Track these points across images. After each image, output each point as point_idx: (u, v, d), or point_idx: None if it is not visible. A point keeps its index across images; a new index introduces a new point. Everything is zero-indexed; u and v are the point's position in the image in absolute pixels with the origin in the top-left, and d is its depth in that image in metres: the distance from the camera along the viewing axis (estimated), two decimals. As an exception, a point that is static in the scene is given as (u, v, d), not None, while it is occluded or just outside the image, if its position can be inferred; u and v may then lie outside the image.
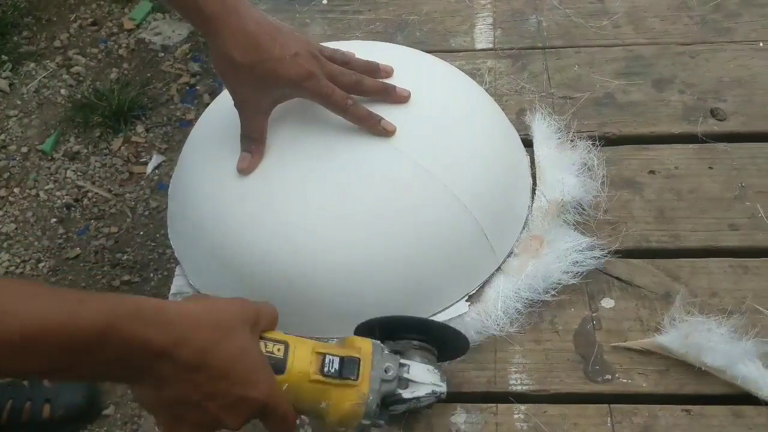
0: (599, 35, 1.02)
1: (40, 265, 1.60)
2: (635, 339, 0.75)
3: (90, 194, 1.71)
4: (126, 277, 1.57)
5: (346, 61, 0.80)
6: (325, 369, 0.61)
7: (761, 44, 0.99)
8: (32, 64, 1.96)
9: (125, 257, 1.60)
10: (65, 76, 1.93)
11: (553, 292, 0.78)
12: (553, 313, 0.77)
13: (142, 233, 1.63)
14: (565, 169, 0.85)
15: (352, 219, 0.75)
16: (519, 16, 1.06)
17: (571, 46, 1.01)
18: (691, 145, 0.90)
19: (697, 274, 0.79)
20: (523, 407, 0.72)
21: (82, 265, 1.60)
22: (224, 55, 0.74)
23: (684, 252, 0.81)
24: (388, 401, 0.64)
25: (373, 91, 0.80)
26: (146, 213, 1.67)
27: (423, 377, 0.66)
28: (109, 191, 1.71)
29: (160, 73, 1.92)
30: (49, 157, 1.78)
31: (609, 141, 0.91)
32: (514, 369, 0.74)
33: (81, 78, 1.92)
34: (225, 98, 0.89)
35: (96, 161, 1.76)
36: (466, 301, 0.77)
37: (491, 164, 0.81)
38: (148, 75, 1.91)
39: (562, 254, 0.79)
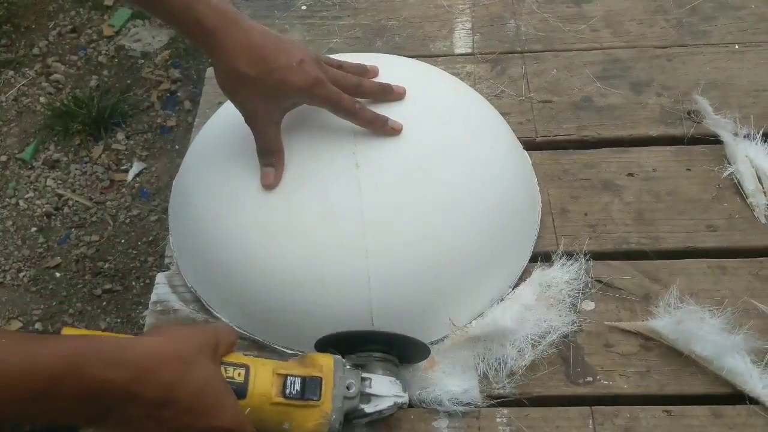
0: (577, 39, 1.03)
1: (21, 274, 1.59)
2: (616, 341, 0.75)
3: (70, 202, 1.70)
4: (107, 286, 1.56)
5: (339, 65, 0.80)
6: (287, 391, 0.61)
7: (737, 46, 1.00)
8: (11, 72, 1.94)
9: (107, 266, 1.59)
10: (44, 84, 1.91)
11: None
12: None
13: (123, 241, 1.62)
14: (521, 321, 0.75)
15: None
16: (497, 20, 1.07)
17: (549, 50, 1.02)
18: (668, 147, 0.90)
19: (676, 276, 0.79)
20: (505, 411, 0.72)
21: (63, 274, 1.59)
22: (230, 69, 0.72)
23: (663, 253, 0.82)
24: (350, 417, 0.64)
25: (372, 92, 0.80)
26: (127, 221, 1.66)
27: (385, 390, 0.65)
28: (90, 199, 1.70)
29: (141, 80, 1.91)
30: (29, 166, 1.76)
31: (588, 144, 0.92)
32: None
33: (60, 85, 1.91)
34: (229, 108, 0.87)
35: (76, 169, 1.75)
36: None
37: (421, 285, 0.74)
38: (128, 82, 1.90)
39: (437, 391, 0.72)
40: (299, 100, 0.76)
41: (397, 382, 0.67)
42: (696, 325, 0.72)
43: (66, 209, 1.69)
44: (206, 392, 0.56)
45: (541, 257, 0.82)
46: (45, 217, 1.68)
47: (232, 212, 0.77)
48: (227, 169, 0.80)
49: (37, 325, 1.52)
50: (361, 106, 0.77)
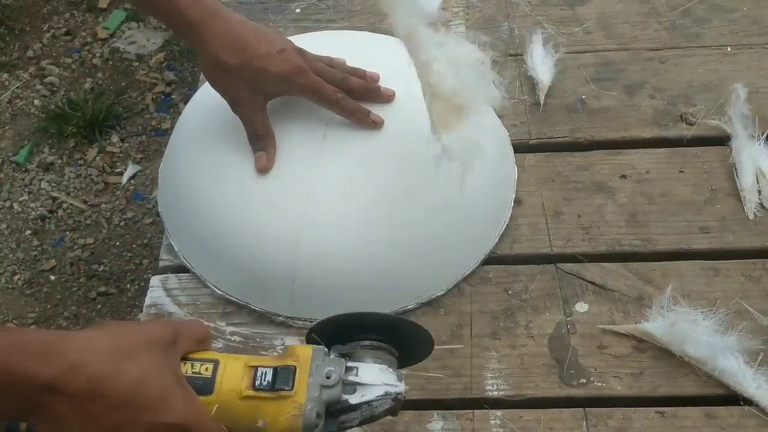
0: (570, 41, 1.03)
1: (15, 277, 1.59)
2: (609, 343, 0.76)
3: (65, 205, 1.70)
4: (102, 289, 1.55)
5: (331, 64, 0.81)
6: (257, 382, 0.56)
7: (729, 49, 1.00)
8: (5, 75, 1.94)
9: (101, 268, 1.58)
10: (39, 87, 1.91)
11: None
12: (528, 318, 0.78)
13: (118, 244, 1.62)
14: None
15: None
16: (491, 23, 1.07)
17: (543, 53, 1.02)
18: (661, 150, 0.91)
19: (669, 277, 0.79)
20: (499, 413, 0.72)
21: (57, 277, 1.59)
22: (213, 59, 0.74)
23: (656, 255, 0.82)
24: (334, 409, 0.58)
25: (357, 90, 0.80)
26: (122, 223, 1.65)
27: (373, 378, 0.58)
28: (84, 202, 1.70)
29: (135, 83, 1.91)
30: (23, 169, 1.76)
31: (581, 146, 0.92)
32: (490, 374, 0.74)
33: (55, 88, 1.91)
34: (203, 97, 0.90)
35: (70, 172, 1.75)
36: None
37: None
38: (123, 84, 1.90)
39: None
40: (280, 87, 0.78)
41: (390, 370, 0.59)
42: (689, 326, 0.72)
43: (60, 212, 1.69)
44: (148, 385, 0.52)
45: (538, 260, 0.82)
46: (39, 220, 1.67)
47: (208, 174, 0.81)
48: (213, 133, 0.83)
49: (32, 328, 1.51)
50: (344, 96, 0.78)
